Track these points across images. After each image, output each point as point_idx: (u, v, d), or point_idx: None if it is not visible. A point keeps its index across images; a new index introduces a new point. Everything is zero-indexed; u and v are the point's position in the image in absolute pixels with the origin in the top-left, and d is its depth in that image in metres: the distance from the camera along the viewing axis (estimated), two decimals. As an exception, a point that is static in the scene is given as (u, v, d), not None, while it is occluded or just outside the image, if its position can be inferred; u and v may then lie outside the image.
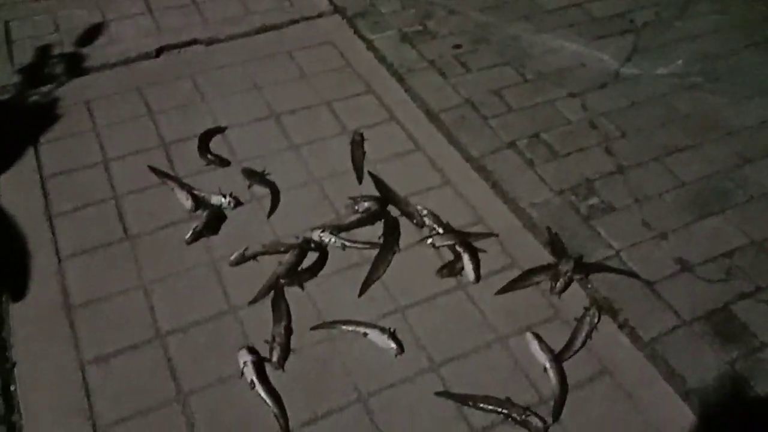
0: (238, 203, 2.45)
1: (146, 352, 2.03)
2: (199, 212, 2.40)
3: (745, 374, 2.02)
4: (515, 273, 2.27)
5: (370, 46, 3.26)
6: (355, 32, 3.35)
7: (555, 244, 2.36)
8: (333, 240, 2.32)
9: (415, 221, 2.42)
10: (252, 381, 1.93)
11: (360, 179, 2.59)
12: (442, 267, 2.28)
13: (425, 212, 2.43)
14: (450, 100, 2.96)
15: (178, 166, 2.61)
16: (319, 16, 3.45)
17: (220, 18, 3.37)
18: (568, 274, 2.23)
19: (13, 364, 1.99)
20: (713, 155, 2.73)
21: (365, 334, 2.06)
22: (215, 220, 2.39)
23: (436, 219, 2.41)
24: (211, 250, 2.31)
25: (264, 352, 2.02)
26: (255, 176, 2.56)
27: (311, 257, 2.29)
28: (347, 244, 2.33)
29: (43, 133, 2.74)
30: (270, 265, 2.25)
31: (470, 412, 1.91)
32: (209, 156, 2.63)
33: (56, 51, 3.16)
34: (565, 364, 2.02)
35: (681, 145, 2.77)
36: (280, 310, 2.13)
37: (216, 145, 2.70)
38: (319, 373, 1.99)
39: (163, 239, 2.34)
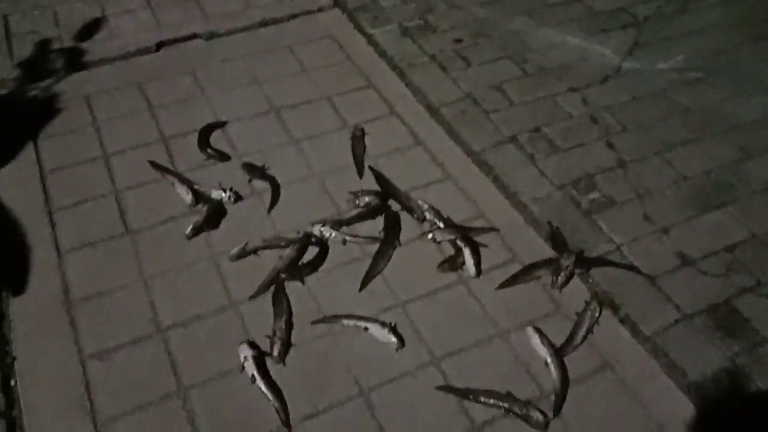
0: (238, 198, 2.44)
1: (147, 346, 2.02)
2: (199, 207, 2.40)
3: (746, 368, 2.02)
4: (516, 267, 2.27)
5: (370, 40, 3.25)
6: (355, 26, 3.34)
7: (556, 239, 2.36)
8: (334, 234, 2.32)
9: (415, 216, 2.42)
10: (253, 375, 1.93)
11: (360, 174, 2.59)
12: (443, 261, 2.27)
13: (426, 207, 2.43)
14: (451, 94, 2.95)
15: (178, 160, 2.60)
16: (320, 10, 3.44)
17: (220, 12, 3.36)
18: (569, 268, 2.23)
19: (13, 359, 1.99)
20: (714, 150, 2.72)
21: (366, 329, 2.06)
22: (215, 214, 2.39)
23: (437, 213, 2.41)
24: (212, 245, 2.31)
25: (265, 346, 2.02)
26: (255, 171, 2.55)
27: (312, 252, 2.29)
28: (348, 238, 2.32)
29: (43, 127, 2.73)
30: (270, 260, 2.24)
31: (471, 407, 1.91)
32: (209, 150, 2.62)
33: (56, 45, 3.15)
34: (566, 359, 2.01)
35: (682, 139, 2.76)
36: (281, 304, 2.13)
37: (216, 139, 2.70)
38: (320, 368, 1.99)
39: (164, 234, 2.34)
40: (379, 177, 2.56)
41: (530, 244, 2.36)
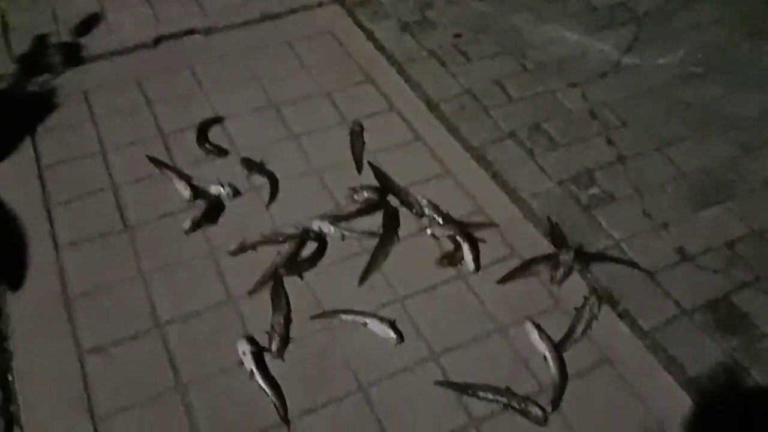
0: (236, 193, 2.44)
1: (145, 342, 2.02)
2: (197, 202, 2.39)
3: (745, 364, 2.02)
4: (515, 263, 2.26)
5: (369, 35, 3.24)
6: (354, 22, 3.33)
7: (555, 234, 2.35)
8: (332, 230, 2.32)
9: (414, 211, 2.41)
10: (251, 371, 1.93)
11: (359, 169, 2.58)
12: (442, 257, 2.27)
13: (425, 202, 2.42)
14: (450, 89, 2.94)
15: (176, 156, 2.60)
16: (319, 5, 3.42)
17: (219, 7, 3.34)
18: (569, 263, 2.23)
19: (11, 355, 1.98)
20: (714, 146, 2.72)
21: (365, 324, 2.06)
22: (214, 210, 2.38)
23: (436, 209, 2.40)
24: (210, 240, 2.30)
25: (263, 342, 2.01)
26: (254, 166, 2.54)
27: (311, 247, 2.28)
28: (347, 234, 2.32)
29: (41, 122, 2.72)
30: (269, 255, 2.24)
31: (470, 402, 1.91)
32: (208, 146, 2.62)
33: (54, 40, 3.13)
34: (565, 354, 2.01)
35: (682, 135, 2.76)
36: (280, 299, 2.12)
37: (214, 134, 2.69)
38: (319, 363, 1.99)
39: (162, 229, 2.33)
40: (378, 172, 2.56)
41: (529, 239, 2.35)
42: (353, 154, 2.63)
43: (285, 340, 2.03)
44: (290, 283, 2.18)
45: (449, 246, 2.31)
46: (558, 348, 2.02)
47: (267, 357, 1.98)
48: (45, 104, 2.81)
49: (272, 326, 2.05)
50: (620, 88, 2.98)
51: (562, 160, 2.64)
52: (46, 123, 2.72)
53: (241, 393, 1.91)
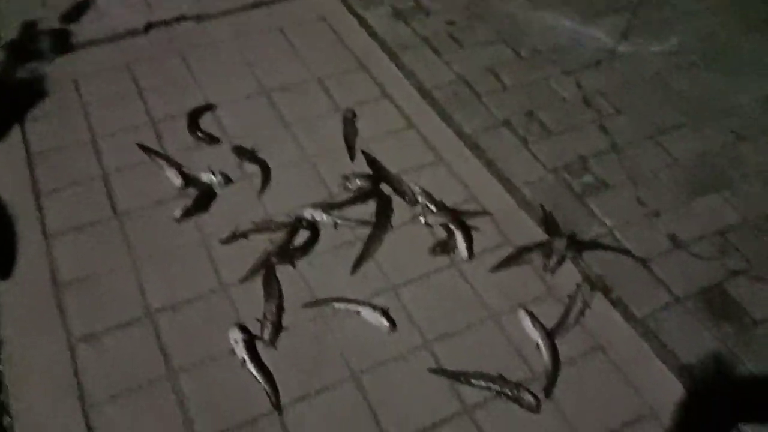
0: (228, 181, 2.42)
1: (136, 330, 2.01)
2: (189, 190, 2.37)
3: (737, 351, 2.02)
4: (508, 251, 2.26)
5: (362, 22, 3.21)
6: (347, 9, 3.30)
7: (548, 222, 2.35)
8: (325, 218, 2.30)
9: (407, 199, 2.40)
10: (243, 359, 1.92)
11: (352, 157, 2.56)
12: (435, 245, 2.26)
13: (418, 190, 2.41)
14: (443, 77, 2.93)
15: (167, 143, 2.57)
16: (311, -8, 3.39)
17: (210, -7, 3.31)
18: (562, 251, 2.22)
19: (1, 343, 1.97)
20: (708, 134, 2.72)
21: (358, 312, 2.05)
22: (205, 197, 2.36)
23: (429, 197, 2.39)
24: (201, 228, 2.28)
25: (255, 330, 2.00)
26: (245, 154, 2.52)
27: (303, 235, 2.27)
28: (339, 222, 2.30)
29: (30, 110, 2.69)
30: (261, 244, 2.22)
31: (463, 389, 1.91)
32: (199, 133, 2.59)
33: (43, 27, 3.08)
34: (558, 341, 2.01)
35: (676, 123, 2.75)
36: (272, 288, 2.11)
37: (206, 122, 2.66)
38: (312, 351, 1.98)
39: (153, 217, 2.31)
40: (371, 160, 2.54)
41: (522, 227, 2.35)
42: (346, 141, 2.61)
43: (277, 328, 2.02)
44: (282, 271, 2.17)
45: (442, 234, 2.30)
46: (551, 335, 2.02)
47: (259, 345, 1.98)
48: (34, 91, 2.77)
49: (264, 314, 2.04)
50: (615, 75, 2.97)
51: (555, 148, 2.63)
52: (36, 110, 2.69)
53: (233, 381, 1.90)
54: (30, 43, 3.00)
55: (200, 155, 2.52)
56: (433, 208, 2.36)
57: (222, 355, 1.95)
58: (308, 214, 2.31)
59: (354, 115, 2.70)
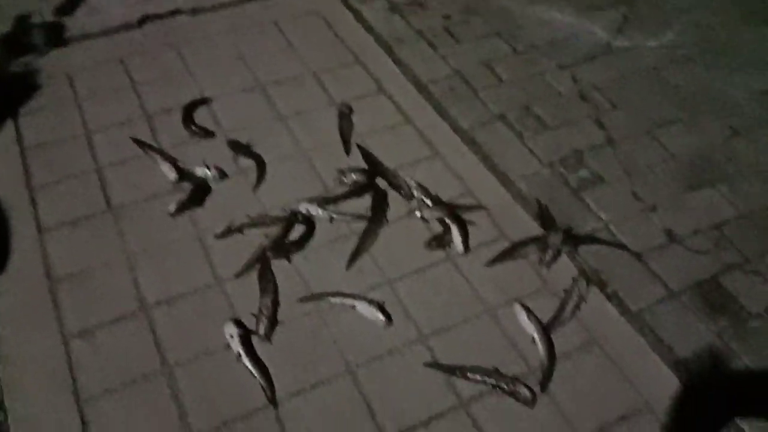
0: (223, 175, 2.41)
1: (131, 324, 2.00)
2: (183, 184, 2.36)
3: (732, 345, 2.03)
4: (504, 245, 2.26)
5: (358, 16, 3.20)
6: (342, 2, 3.28)
7: (544, 216, 2.34)
8: (320, 212, 2.30)
9: (403, 193, 2.40)
10: (239, 353, 1.91)
11: (348, 151, 2.56)
12: (431, 239, 2.26)
13: (414, 184, 2.40)
14: (439, 71, 2.92)
15: (161, 137, 2.56)
16: (307, -15, 3.37)
17: (205, -13, 3.29)
18: (557, 245, 2.22)
19: (-5, 338, 1.96)
20: (704, 128, 2.72)
21: (353, 307, 2.05)
22: (200, 192, 2.35)
23: (425, 191, 2.39)
24: (197, 223, 2.27)
25: (251, 324, 2.00)
26: (240, 148, 2.51)
27: (299, 230, 2.26)
28: (335, 216, 2.30)
29: (23, 104, 2.67)
30: (256, 238, 2.22)
31: (458, 383, 1.90)
32: (194, 127, 2.58)
33: (37, 20, 3.06)
34: (554, 335, 2.01)
35: (672, 117, 2.75)
36: (267, 282, 2.10)
37: (200, 116, 2.65)
38: (307, 345, 1.98)
39: (147, 211, 2.30)
40: (366, 154, 2.53)
41: (518, 221, 2.34)
42: (342, 136, 2.60)
43: (273, 322, 2.01)
44: (278, 265, 2.16)
45: (438, 228, 2.29)
46: (546, 329, 2.02)
47: (255, 340, 1.97)
48: (28, 85, 2.75)
49: (260, 309, 2.03)
50: (610, 70, 2.97)
51: (551, 142, 2.62)
52: (29, 104, 2.67)
53: (228, 376, 1.89)
54: (23, 37, 2.98)
55: (195, 149, 2.51)
56: (428, 202, 2.35)
57: (217, 349, 1.94)
58: (304, 208, 2.30)
59: (350, 109, 2.69)
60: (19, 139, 2.53)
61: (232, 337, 1.94)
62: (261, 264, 2.15)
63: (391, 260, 2.20)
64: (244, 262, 2.15)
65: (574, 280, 2.14)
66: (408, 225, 2.31)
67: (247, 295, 2.07)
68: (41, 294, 2.06)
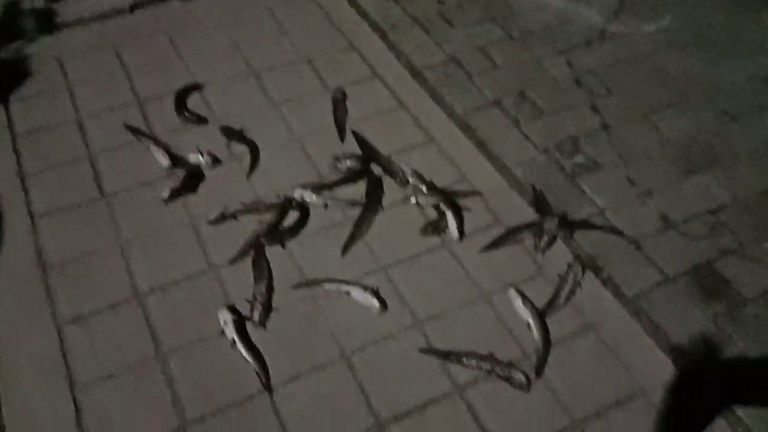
0: (216, 161, 2.39)
1: (124, 311, 1.99)
2: (176, 171, 2.34)
3: (727, 330, 2.02)
4: (499, 231, 2.25)
5: (352, 1, 3.17)
6: (336, -13, 3.26)
7: (539, 202, 2.34)
8: (315, 199, 2.28)
9: (398, 180, 2.38)
10: (233, 339, 1.90)
11: (342, 137, 2.54)
12: (426, 225, 2.25)
13: (409, 170, 2.39)
14: (434, 57, 2.89)
15: (154, 124, 2.54)
16: (300, -30, 3.34)
17: (197, -28, 3.26)
18: (552, 231, 2.22)
19: (-13, 325, 1.95)
20: (699, 113, 2.70)
21: (348, 293, 2.04)
22: (193, 178, 2.34)
23: (420, 177, 2.37)
24: (190, 209, 2.26)
25: (245, 311, 1.99)
26: (234, 134, 2.50)
27: (293, 216, 2.25)
28: (329, 202, 2.29)
29: (14, 90, 2.64)
30: (250, 224, 2.20)
31: (453, 368, 1.90)
32: (186, 114, 2.56)
33: (27, 6, 3.02)
34: (549, 320, 2.01)
35: (667, 102, 2.74)
36: (261, 268, 2.09)
37: (193, 102, 2.63)
38: (302, 331, 1.97)
39: (140, 198, 2.28)
40: (361, 140, 2.52)
41: (513, 207, 2.34)
42: (336, 122, 2.58)
43: (267, 309, 2.00)
44: (273, 252, 2.15)
45: (433, 214, 2.28)
46: (542, 315, 2.01)
47: (249, 326, 1.96)
48: (18, 71, 2.73)
49: (254, 295, 2.02)
50: (606, 55, 2.95)
51: (547, 128, 2.61)
52: (20, 91, 2.65)
53: (222, 362, 1.89)
54: (13, 23, 2.95)
55: (188, 136, 2.49)
56: (423, 188, 2.34)
57: (211, 336, 1.93)
58: (298, 194, 2.29)
59: (344, 95, 2.67)
60: (10, 125, 2.51)
61: (226, 323, 1.93)
62: (255, 250, 2.14)
63: (386, 246, 2.19)
64: (238, 249, 2.14)
65: (570, 265, 2.14)
66: (403, 211, 2.30)
67: (242, 282, 2.06)
68: (34, 281, 2.05)
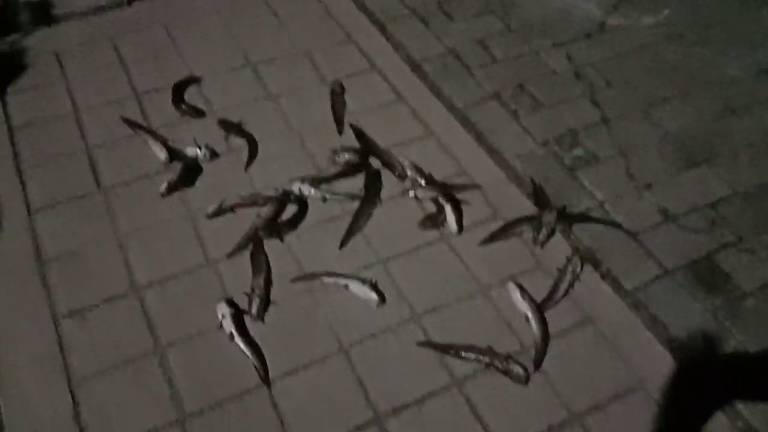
0: (214, 155, 2.38)
1: (122, 305, 1.98)
2: (174, 164, 2.34)
3: (726, 323, 2.02)
4: (498, 224, 2.24)
5: (350, -6, 3.16)
6: (334, -20, 3.24)
7: (538, 195, 2.33)
8: (313, 192, 2.27)
9: (397, 173, 2.38)
10: (231, 333, 1.90)
11: (341, 130, 2.53)
12: (425, 218, 2.24)
13: (407, 164, 2.38)
14: (433, 49, 2.88)
15: (151, 117, 2.53)
16: (298, -38, 3.32)
17: (195, -36, 3.24)
18: (551, 224, 2.21)
19: (-16, 319, 1.94)
20: (699, 106, 2.70)
21: (346, 286, 2.03)
22: (191, 172, 2.33)
23: (419, 170, 2.37)
24: (187, 203, 2.25)
25: (243, 304, 1.98)
26: (231, 127, 2.49)
27: (291, 210, 2.24)
28: (328, 196, 2.28)
29: (11, 83, 2.63)
30: (248, 218, 2.20)
31: (452, 362, 1.90)
32: (184, 106, 2.55)
33: (23, -1, 3.02)
34: (547, 314, 2.01)
35: (667, 95, 2.73)
36: (260, 262, 2.09)
37: (191, 95, 2.62)
38: (300, 325, 1.97)
39: (138, 192, 2.27)
40: (359, 134, 2.51)
41: (512, 200, 2.33)
42: (334, 115, 2.57)
43: (265, 302, 2.00)
44: (271, 245, 2.15)
45: (432, 208, 2.28)
46: (540, 308, 2.01)
47: (247, 320, 1.96)
48: (15, 65, 2.72)
49: (252, 289, 2.02)
50: (605, 48, 2.94)
51: (546, 120, 2.60)
52: (17, 84, 2.64)
53: (220, 356, 1.88)
54: (10, 16, 2.93)
55: (185, 129, 2.48)
56: (422, 181, 2.34)
57: (210, 329, 1.93)
58: (296, 187, 2.28)
59: (342, 88, 2.66)
60: (7, 119, 2.50)
61: (224, 317, 1.93)
62: (253, 244, 2.14)
63: (384, 240, 2.18)
64: (237, 242, 2.13)
65: (568, 258, 2.13)
66: (401, 204, 2.30)
67: (240, 275, 2.06)
68: (31, 275, 2.04)
